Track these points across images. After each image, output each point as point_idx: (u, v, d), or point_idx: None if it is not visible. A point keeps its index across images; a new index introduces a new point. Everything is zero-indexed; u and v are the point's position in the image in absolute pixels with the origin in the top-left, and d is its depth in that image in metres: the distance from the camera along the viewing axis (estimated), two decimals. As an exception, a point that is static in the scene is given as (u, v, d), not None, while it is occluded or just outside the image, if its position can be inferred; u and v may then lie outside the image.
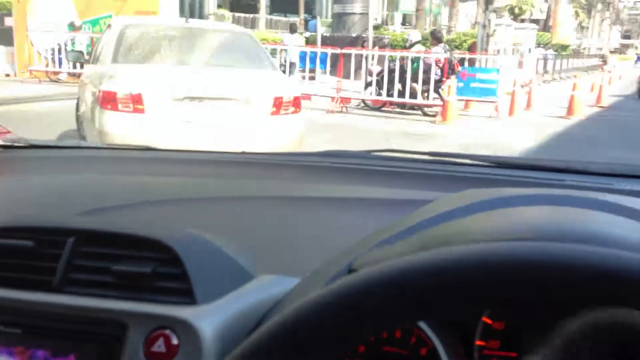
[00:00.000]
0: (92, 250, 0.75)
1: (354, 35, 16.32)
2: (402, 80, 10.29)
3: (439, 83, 10.13)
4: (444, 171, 1.18)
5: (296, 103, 4.84)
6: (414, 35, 12.00)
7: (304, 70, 11.89)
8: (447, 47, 11.34)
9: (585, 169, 1.16)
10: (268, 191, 1.10)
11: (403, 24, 42.40)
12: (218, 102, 4.62)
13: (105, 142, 4.26)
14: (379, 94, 10.66)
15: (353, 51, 11.88)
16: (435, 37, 10.87)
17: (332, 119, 9.77)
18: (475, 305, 0.50)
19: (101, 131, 4.40)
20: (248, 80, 4.87)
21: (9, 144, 1.39)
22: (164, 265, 0.72)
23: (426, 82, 10.17)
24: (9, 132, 1.50)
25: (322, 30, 16.43)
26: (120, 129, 4.35)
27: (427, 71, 10.19)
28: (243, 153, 1.40)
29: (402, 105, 10.75)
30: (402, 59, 10.48)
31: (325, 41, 14.72)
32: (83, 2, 13.33)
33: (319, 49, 12.55)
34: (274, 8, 38.60)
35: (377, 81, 10.68)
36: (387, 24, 40.95)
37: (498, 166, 1.22)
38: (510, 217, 0.66)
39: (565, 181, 1.06)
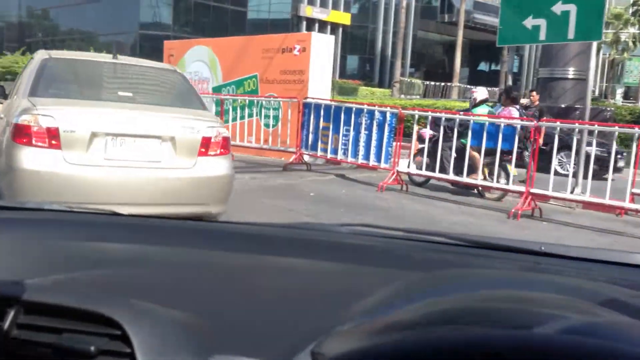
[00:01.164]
0: (33, 323, 0.72)
1: (562, 105, 12.65)
2: (461, 151, 7.93)
3: (507, 155, 7.47)
4: (415, 249, 1.17)
5: (224, 144, 4.67)
6: (480, 93, 8.67)
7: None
8: (525, 109, 9.18)
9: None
10: (229, 260, 1.09)
11: (626, 98, 36.86)
12: (142, 140, 4.35)
13: (18, 180, 4.10)
14: (430, 167, 8.28)
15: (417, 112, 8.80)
16: (509, 96, 8.62)
17: (381, 198, 7.59)
18: None
19: (13, 168, 4.08)
20: (175, 119, 4.58)
21: None
22: (110, 342, 0.69)
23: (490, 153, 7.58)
24: None
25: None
26: (34, 165, 4.06)
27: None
28: (211, 222, 1.48)
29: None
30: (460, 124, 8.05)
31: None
32: (228, 62, 11.75)
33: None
34: (471, 78, 36.52)
35: (429, 150, 8.35)
36: (606, 97, 35.68)
37: (476, 246, 1.19)
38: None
39: (525, 262, 1.09)
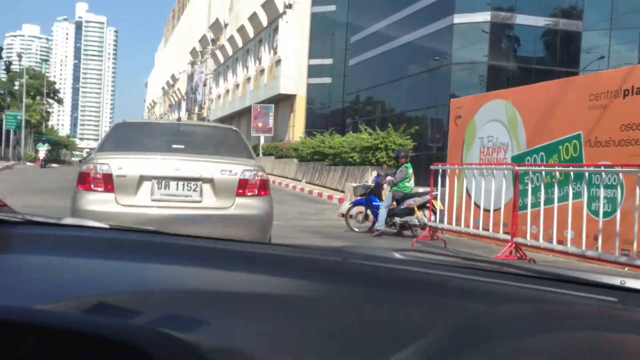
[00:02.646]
0: (54, 354, 0.65)
1: None
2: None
3: None
4: (476, 279, 1.07)
5: (262, 186, 5.08)
6: None
7: None
8: None
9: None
10: (269, 285, 1.05)
11: None
12: (183, 182, 4.94)
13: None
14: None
15: None
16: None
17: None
18: None
19: (75, 209, 4.83)
20: (215, 163, 5.08)
21: (3, 218, 1.29)
22: None
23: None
24: (4, 205, 1.43)
25: None
26: (91, 207, 4.77)
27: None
28: (244, 242, 1.37)
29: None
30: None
31: None
32: (535, 119, 8.04)
33: None
34: None
35: None
36: None
37: (545, 277, 1.09)
38: None
39: (605, 298, 0.97)
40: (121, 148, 5.28)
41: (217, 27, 60.23)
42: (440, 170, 9.00)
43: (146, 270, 1.10)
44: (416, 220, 9.53)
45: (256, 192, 5.04)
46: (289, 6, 38.56)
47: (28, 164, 35.94)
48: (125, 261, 1.12)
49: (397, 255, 1.19)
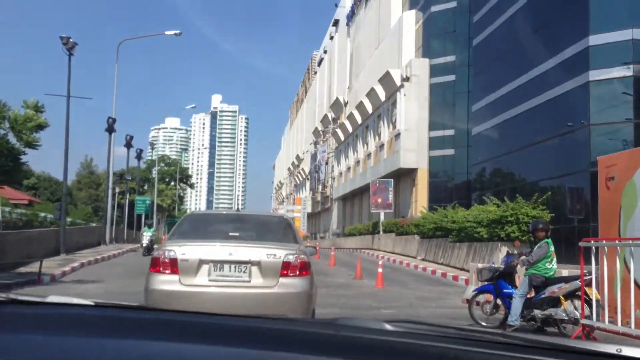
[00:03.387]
0: None
1: None
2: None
3: None
4: (472, 352, 1.07)
5: (303, 267, 5.79)
6: None
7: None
8: None
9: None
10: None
11: None
12: (235, 265, 5.77)
13: (150, 298, 5.71)
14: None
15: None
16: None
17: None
18: None
19: (146, 289, 5.84)
20: (262, 248, 5.89)
21: None
22: None
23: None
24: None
25: None
26: (159, 286, 5.72)
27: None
28: (234, 316, 1.34)
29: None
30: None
31: None
32: None
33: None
34: None
35: None
36: None
37: (542, 348, 1.11)
38: None
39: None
40: (186, 236, 6.25)
41: (337, 106, 61.05)
42: (593, 247, 6.91)
43: (125, 346, 1.12)
44: (564, 314, 7.37)
45: (297, 272, 5.77)
46: (407, 79, 37.74)
47: (156, 246, 37.05)
48: (105, 338, 1.14)
49: (388, 326, 1.20)
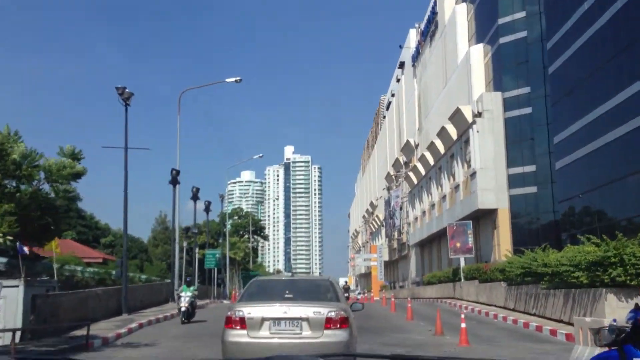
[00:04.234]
0: None
1: None
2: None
3: None
4: None
5: (343, 321, 7.32)
6: None
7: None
8: None
9: None
10: None
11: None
12: (289, 321, 7.34)
13: (225, 348, 7.44)
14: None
15: None
16: None
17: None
18: None
19: (223, 341, 7.51)
20: (310, 307, 7.41)
21: None
22: None
23: None
24: None
25: None
26: (232, 339, 7.38)
27: None
28: None
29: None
30: None
31: None
32: None
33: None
34: None
35: None
36: None
37: None
38: None
39: None
40: (252, 298, 7.80)
41: (408, 149, 59.35)
42: None
43: None
44: None
45: (338, 326, 7.31)
46: (479, 115, 35.70)
47: (225, 301, 35.95)
48: None
49: None
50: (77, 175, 13.21)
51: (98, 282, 30.57)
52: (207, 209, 39.17)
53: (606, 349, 6.37)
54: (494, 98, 35.63)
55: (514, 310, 20.96)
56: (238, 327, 7.35)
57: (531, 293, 19.29)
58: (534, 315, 18.72)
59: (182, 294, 19.70)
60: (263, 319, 7.31)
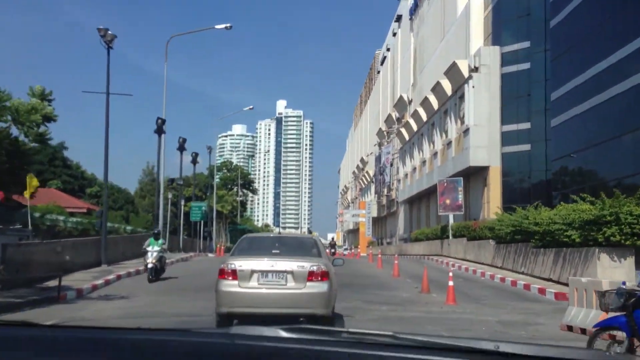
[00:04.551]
0: None
1: None
2: None
3: None
4: (358, 353, 1.16)
5: (323, 275, 8.23)
6: None
7: None
8: None
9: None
10: None
11: None
12: (276, 274, 8.24)
13: (219, 296, 8.29)
14: None
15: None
16: None
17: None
18: None
19: (216, 290, 8.34)
20: (294, 261, 8.33)
21: None
22: None
23: None
24: None
25: None
26: (224, 288, 8.21)
27: None
28: (154, 330, 1.43)
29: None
30: None
31: None
32: None
33: None
34: None
35: None
36: None
37: (422, 347, 1.19)
38: None
39: None
40: (242, 254, 8.77)
41: (401, 104, 58.34)
42: None
43: None
44: None
45: (320, 278, 8.21)
46: (475, 69, 34.69)
47: (209, 255, 35.51)
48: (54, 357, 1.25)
49: (284, 333, 1.27)
50: (47, 119, 12.35)
51: (81, 232, 29.90)
52: (194, 161, 38.30)
53: (615, 314, 5.78)
54: (492, 52, 34.57)
55: (501, 268, 20.61)
56: (230, 278, 8.18)
57: (520, 251, 18.87)
58: (522, 273, 18.35)
59: (149, 248, 17.14)
60: (252, 271, 8.17)
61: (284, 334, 1.25)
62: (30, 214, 24.39)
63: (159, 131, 26.74)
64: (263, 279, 8.14)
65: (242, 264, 8.22)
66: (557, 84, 29.17)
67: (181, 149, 34.07)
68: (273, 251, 8.65)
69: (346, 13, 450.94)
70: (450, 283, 12.79)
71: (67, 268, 16.49)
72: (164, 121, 26.95)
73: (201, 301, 11.62)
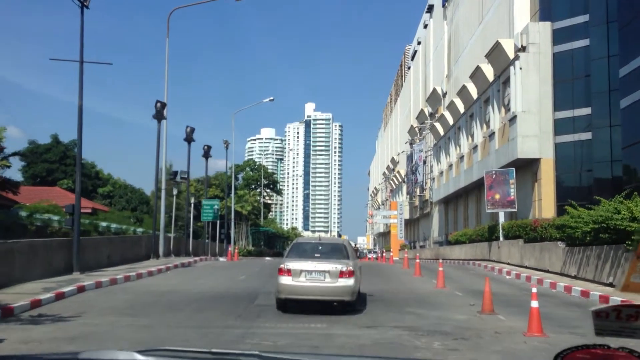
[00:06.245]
0: None
1: None
2: None
3: None
4: None
5: (350, 273, 10.96)
6: None
7: None
8: None
9: None
10: None
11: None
12: (317, 273, 11.02)
13: (279, 288, 11.06)
14: None
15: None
16: None
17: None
18: None
19: (277, 283, 11.16)
20: (330, 263, 11.13)
21: None
22: None
23: None
24: None
25: None
26: (283, 282, 10.99)
27: None
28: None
29: None
30: None
31: None
32: None
33: None
34: None
35: None
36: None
37: None
38: None
39: None
40: (294, 256, 11.54)
41: (434, 98, 54.00)
42: None
43: None
44: None
45: (347, 275, 10.94)
46: (522, 49, 30.31)
47: (220, 259, 31.59)
48: None
49: (139, 357, 1.21)
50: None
51: (81, 233, 26.64)
52: (206, 154, 34.60)
53: None
54: (542, 29, 30.11)
55: (576, 278, 16.27)
56: (286, 275, 10.98)
57: (607, 257, 14.53)
58: (610, 285, 14.02)
59: None
60: (301, 271, 11.01)
61: (139, 357, 1.20)
62: (15, 214, 20.93)
63: (159, 116, 23.10)
64: (309, 275, 10.97)
65: (294, 265, 11.05)
66: (626, 58, 24.61)
67: (188, 139, 30.46)
68: (315, 255, 11.63)
69: (372, 12, 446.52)
70: (534, 304, 8.60)
71: (16, 277, 12.79)
72: (164, 105, 23.35)
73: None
